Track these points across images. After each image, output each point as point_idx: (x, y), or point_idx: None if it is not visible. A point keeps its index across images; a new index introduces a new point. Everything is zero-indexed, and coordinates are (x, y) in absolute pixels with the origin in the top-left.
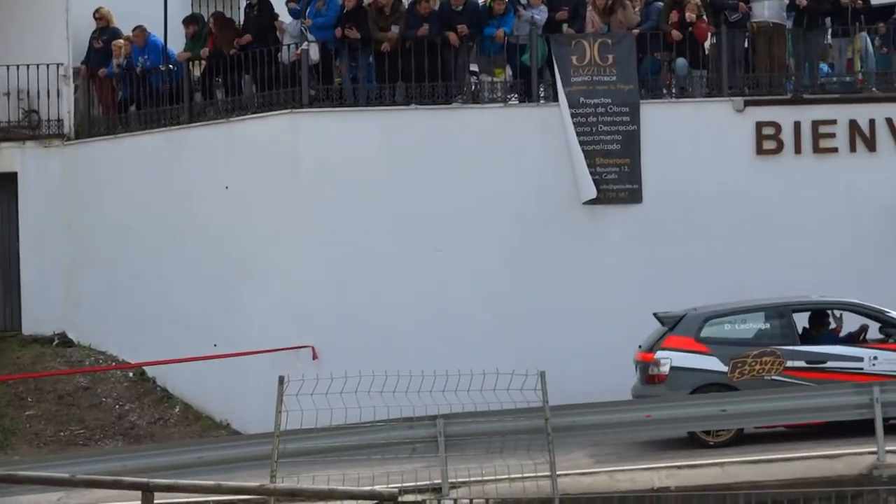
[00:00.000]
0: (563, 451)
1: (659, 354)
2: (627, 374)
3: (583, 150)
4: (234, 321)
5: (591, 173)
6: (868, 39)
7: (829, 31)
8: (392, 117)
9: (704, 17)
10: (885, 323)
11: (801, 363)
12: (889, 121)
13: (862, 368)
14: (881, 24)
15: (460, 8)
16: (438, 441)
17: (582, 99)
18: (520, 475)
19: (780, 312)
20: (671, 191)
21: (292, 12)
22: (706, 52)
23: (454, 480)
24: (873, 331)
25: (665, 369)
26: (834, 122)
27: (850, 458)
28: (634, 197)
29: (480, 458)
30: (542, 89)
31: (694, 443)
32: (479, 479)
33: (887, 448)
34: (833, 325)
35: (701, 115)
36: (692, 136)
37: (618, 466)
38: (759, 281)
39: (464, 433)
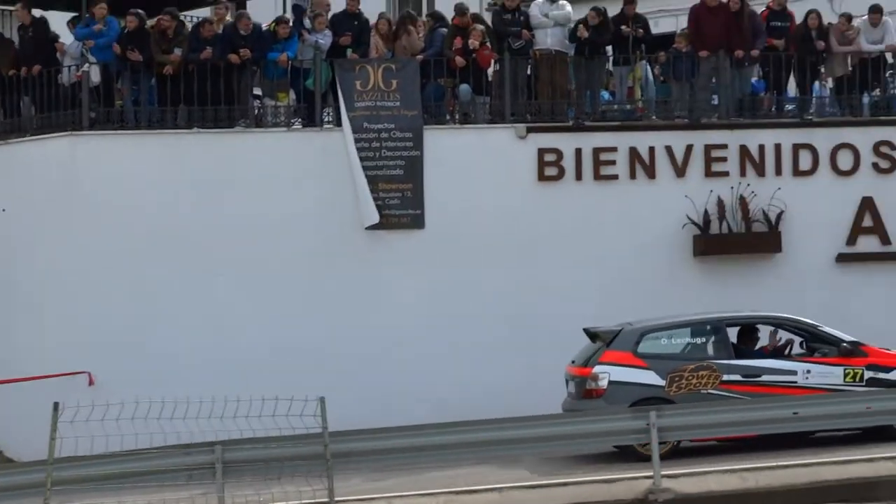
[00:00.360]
0: (342, 477)
1: (597, 369)
2: (409, 400)
3: (366, 175)
4: (9, 346)
5: (374, 198)
6: (648, 68)
7: (611, 59)
8: (174, 140)
9: (488, 44)
10: (817, 337)
11: (737, 377)
12: (668, 148)
13: (796, 382)
14: (661, 53)
15: (245, 32)
16: (216, 468)
17: (365, 124)
18: (297, 502)
19: (714, 327)
20: (454, 217)
21: (75, 34)
22: (489, 79)
23: None
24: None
25: (604, 384)
26: (614, 149)
27: (628, 482)
28: (417, 222)
29: (258, 484)
30: (326, 114)
31: None
32: None
33: (663, 472)
34: (760, 340)
35: (484, 141)
36: (475, 162)
37: (396, 493)
38: (542, 309)
39: (242, 459)
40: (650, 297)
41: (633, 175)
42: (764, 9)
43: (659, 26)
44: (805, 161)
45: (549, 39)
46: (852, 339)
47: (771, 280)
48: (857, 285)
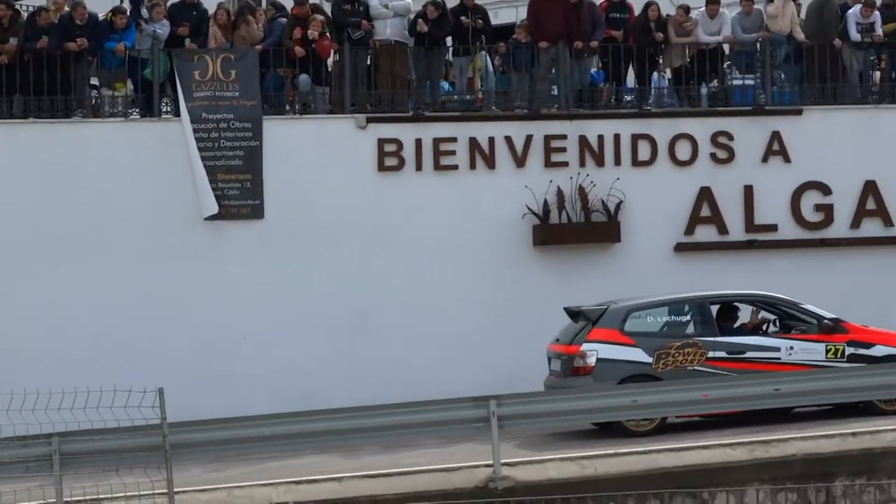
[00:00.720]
0: (181, 467)
1: (585, 346)
2: (251, 390)
3: (205, 166)
4: None
5: (213, 189)
6: (488, 59)
7: (450, 50)
8: (10, 131)
9: (328, 34)
10: (797, 315)
11: (722, 353)
12: (508, 139)
13: (780, 358)
14: (501, 44)
15: (81, 21)
16: (53, 459)
17: (204, 114)
18: (136, 493)
19: (698, 305)
20: (294, 207)
21: None
22: (329, 70)
23: (69, 499)
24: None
25: (592, 361)
26: (454, 139)
27: (467, 470)
28: (256, 213)
29: (97, 476)
30: (164, 104)
31: None
32: (95, 497)
33: (503, 461)
34: (740, 319)
35: (324, 131)
36: (315, 153)
37: (236, 483)
38: (382, 298)
39: (79, 451)
40: (490, 286)
41: (473, 165)
42: (603, 0)
43: (499, 17)
44: (644, 151)
45: (388, 30)
46: (833, 316)
47: (610, 269)
48: (695, 274)
